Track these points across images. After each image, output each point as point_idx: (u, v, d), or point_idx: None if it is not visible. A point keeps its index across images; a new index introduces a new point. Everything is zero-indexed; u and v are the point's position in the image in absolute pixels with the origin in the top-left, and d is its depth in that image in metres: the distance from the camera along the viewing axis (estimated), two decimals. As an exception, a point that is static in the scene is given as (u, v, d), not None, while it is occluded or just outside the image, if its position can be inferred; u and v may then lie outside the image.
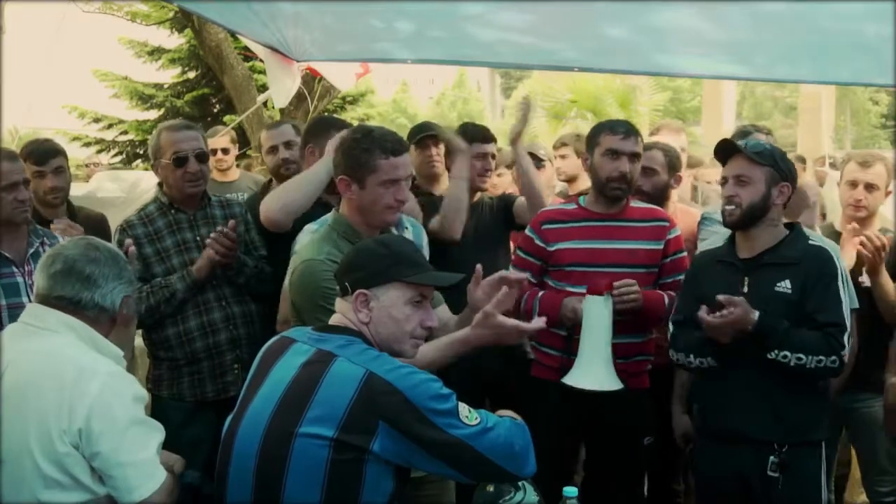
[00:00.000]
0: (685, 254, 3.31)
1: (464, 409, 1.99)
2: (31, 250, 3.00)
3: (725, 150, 2.92)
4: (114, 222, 3.69)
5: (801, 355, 2.70)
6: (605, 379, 2.85)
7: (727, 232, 3.01)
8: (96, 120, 14.18)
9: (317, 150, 3.29)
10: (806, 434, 2.81)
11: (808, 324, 2.75)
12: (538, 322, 2.47)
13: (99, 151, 14.00)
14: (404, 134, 3.39)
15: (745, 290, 2.83)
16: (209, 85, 12.90)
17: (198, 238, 3.32)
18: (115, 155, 14.91)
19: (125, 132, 14.16)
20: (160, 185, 3.42)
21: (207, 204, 3.42)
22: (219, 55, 9.07)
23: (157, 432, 2.10)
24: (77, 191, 5.21)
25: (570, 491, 2.20)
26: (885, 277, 3.38)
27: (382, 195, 2.56)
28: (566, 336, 3.12)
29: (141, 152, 13.90)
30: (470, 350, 2.42)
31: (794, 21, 3.47)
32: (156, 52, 13.70)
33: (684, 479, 3.92)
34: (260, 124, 9.08)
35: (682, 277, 3.17)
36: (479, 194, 3.87)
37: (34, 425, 1.98)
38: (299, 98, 9.12)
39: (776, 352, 2.72)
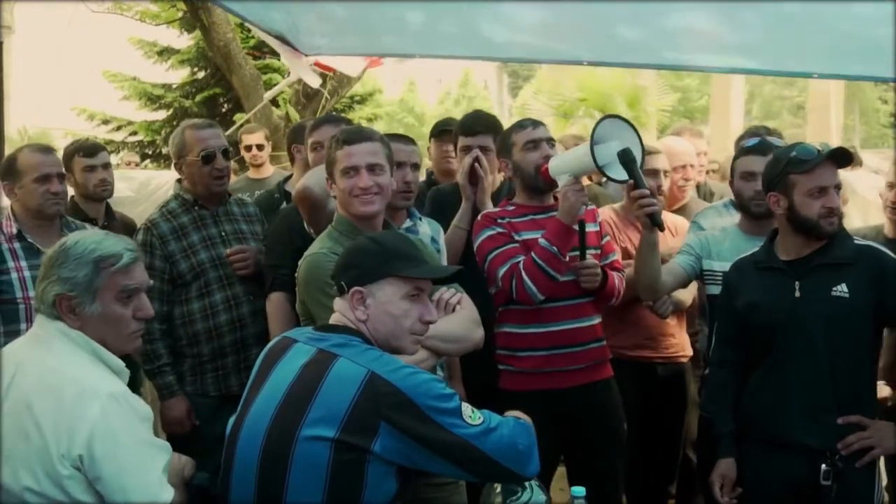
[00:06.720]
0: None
1: (467, 408, 1.99)
2: None
3: (836, 158, 2.63)
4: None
5: None
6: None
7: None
8: (105, 122, 14.21)
9: (301, 147, 3.60)
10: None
11: None
12: None
13: (109, 153, 13.92)
14: (413, 133, 3.40)
15: (798, 295, 2.65)
16: (218, 85, 12.90)
17: (223, 233, 3.39)
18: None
19: (135, 133, 14.17)
20: (179, 181, 3.46)
21: (227, 200, 3.50)
22: (227, 55, 9.09)
23: (163, 452, 2.03)
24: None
25: (578, 490, 2.20)
26: None
27: (346, 185, 2.59)
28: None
29: (150, 153, 13.92)
30: None
31: (808, 22, 3.45)
32: (165, 53, 13.72)
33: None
34: (268, 123, 9.10)
35: (617, 258, 3.29)
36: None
37: (35, 445, 1.93)
38: (308, 97, 9.16)
39: None
